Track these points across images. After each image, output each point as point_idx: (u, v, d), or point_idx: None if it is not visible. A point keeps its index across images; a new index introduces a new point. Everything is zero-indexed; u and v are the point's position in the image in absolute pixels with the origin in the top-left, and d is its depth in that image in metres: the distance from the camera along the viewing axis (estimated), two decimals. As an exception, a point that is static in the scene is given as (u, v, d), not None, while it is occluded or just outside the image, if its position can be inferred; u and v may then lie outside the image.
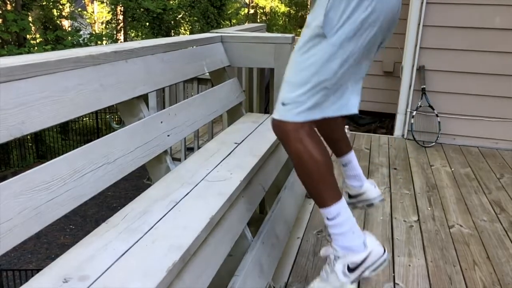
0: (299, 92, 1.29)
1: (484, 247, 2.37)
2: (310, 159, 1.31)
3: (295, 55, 1.33)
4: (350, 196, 1.85)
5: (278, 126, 1.33)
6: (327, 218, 1.38)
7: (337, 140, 1.78)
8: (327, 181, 1.35)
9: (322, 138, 1.72)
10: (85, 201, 1.30)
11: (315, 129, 1.39)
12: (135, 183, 8.45)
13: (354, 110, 1.38)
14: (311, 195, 1.41)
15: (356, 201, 1.85)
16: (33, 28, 11.72)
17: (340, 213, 1.36)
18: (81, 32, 13.23)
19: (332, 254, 1.40)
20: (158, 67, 1.85)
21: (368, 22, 1.25)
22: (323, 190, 1.36)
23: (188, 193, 1.54)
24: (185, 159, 2.61)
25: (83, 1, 20.47)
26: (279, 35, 2.63)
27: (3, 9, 10.98)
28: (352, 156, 1.79)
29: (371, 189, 1.81)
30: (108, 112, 12.48)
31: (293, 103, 1.29)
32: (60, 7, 14.27)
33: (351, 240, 1.37)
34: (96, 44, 12.48)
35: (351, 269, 1.37)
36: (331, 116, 1.34)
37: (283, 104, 1.31)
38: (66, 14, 15.30)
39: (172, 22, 16.32)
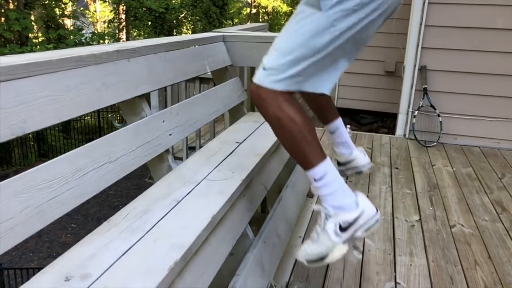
0: (282, 61, 1.27)
1: (485, 246, 2.36)
2: (290, 122, 1.28)
3: (289, 23, 1.31)
4: (339, 164, 1.84)
5: (256, 92, 1.31)
6: (315, 180, 1.34)
7: (323, 107, 1.76)
8: (310, 141, 1.32)
9: (308, 105, 1.75)
10: (86, 200, 1.30)
11: (297, 95, 1.36)
12: (136, 182, 8.45)
13: (327, 91, 1.36)
14: (296, 158, 1.38)
15: (345, 169, 1.84)
16: (35, 27, 11.75)
17: (327, 172, 1.33)
18: (83, 31, 13.26)
19: (323, 213, 1.36)
20: (160, 66, 1.85)
21: (375, 3, 1.21)
22: (307, 151, 1.32)
23: (190, 192, 1.54)
24: (187, 158, 2.61)
25: (85, 0, 20.49)
26: (281, 34, 2.62)
27: (6, 8, 10.99)
28: (339, 122, 1.77)
29: (360, 157, 1.80)
30: (110, 111, 12.49)
31: (274, 69, 1.28)
32: (63, 6, 14.29)
33: (342, 198, 1.34)
34: (98, 43, 12.49)
35: (343, 229, 1.33)
36: (307, 91, 1.33)
37: (264, 68, 1.30)
38: (68, 13, 15.32)
39: (174, 21, 16.33)
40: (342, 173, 1.82)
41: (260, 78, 1.30)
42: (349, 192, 1.36)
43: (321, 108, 1.76)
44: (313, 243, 1.37)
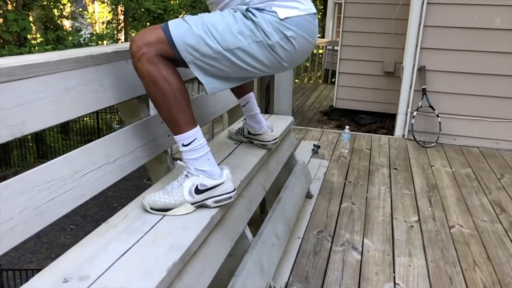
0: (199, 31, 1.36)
1: (484, 247, 2.37)
2: (164, 82, 1.34)
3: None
4: (249, 133, 2.05)
5: (139, 43, 1.35)
6: (183, 145, 1.40)
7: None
8: (183, 106, 1.37)
9: None
10: (85, 201, 1.30)
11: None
12: (135, 183, 8.44)
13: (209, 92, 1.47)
14: (167, 120, 1.42)
15: (254, 139, 2.05)
16: (33, 28, 11.73)
17: (196, 139, 1.40)
18: (82, 32, 13.25)
19: (185, 171, 1.42)
20: (158, 67, 1.85)
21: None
22: (179, 115, 1.38)
23: (189, 193, 1.54)
24: (186, 159, 2.60)
25: (84, 1, 20.46)
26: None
27: (4, 8, 10.98)
28: (249, 97, 1.98)
29: (268, 133, 2.03)
30: (108, 112, 12.48)
31: (188, 25, 1.36)
32: (61, 7, 14.28)
33: (207, 165, 1.41)
34: (97, 44, 12.48)
35: (199, 191, 1.38)
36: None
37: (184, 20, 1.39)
38: (67, 14, 15.31)
39: (173, 22, 16.29)
40: (249, 140, 2.07)
41: (172, 23, 1.37)
42: (214, 162, 1.44)
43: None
44: (165, 193, 1.40)
